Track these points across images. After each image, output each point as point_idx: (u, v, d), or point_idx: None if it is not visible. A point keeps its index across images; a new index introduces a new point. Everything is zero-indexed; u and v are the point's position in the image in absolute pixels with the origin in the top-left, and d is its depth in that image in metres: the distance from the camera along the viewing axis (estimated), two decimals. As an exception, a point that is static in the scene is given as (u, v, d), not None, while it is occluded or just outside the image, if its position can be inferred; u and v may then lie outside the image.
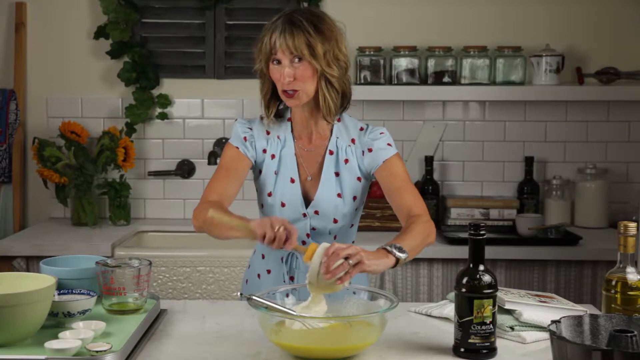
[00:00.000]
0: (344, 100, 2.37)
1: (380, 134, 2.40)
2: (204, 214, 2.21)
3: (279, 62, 2.28)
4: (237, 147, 2.40)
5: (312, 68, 2.27)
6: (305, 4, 3.80)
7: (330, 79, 2.30)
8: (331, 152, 2.40)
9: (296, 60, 2.26)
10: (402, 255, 2.08)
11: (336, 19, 2.35)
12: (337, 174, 2.39)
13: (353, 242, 2.47)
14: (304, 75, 2.27)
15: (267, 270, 2.44)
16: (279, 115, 2.42)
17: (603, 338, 1.72)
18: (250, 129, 2.42)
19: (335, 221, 2.38)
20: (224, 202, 2.32)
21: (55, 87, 3.92)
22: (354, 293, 2.09)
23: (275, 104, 2.39)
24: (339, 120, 2.41)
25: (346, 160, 2.39)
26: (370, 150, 2.38)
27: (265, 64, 2.31)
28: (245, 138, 2.40)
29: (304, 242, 2.39)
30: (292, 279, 2.41)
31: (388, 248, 2.08)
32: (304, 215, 2.38)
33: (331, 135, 2.41)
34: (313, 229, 2.38)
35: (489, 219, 3.73)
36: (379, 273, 2.08)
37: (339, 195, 2.37)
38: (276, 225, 2.02)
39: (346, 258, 1.97)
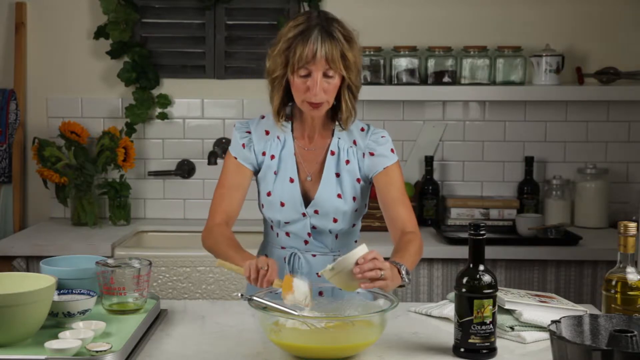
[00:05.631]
0: (356, 109, 2.38)
1: (382, 137, 2.40)
2: (212, 241, 2.33)
3: (307, 75, 2.25)
4: (236, 158, 2.41)
5: (339, 79, 2.27)
6: (306, 4, 3.80)
7: (353, 89, 2.31)
8: (332, 153, 2.39)
9: (330, 73, 2.24)
10: (407, 282, 2.14)
11: (350, 26, 2.33)
12: (337, 175, 2.39)
13: (356, 241, 2.48)
14: (332, 88, 2.27)
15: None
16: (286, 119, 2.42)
17: (603, 338, 1.72)
18: (249, 132, 2.42)
19: (335, 221, 2.38)
20: (230, 220, 2.39)
21: (55, 87, 3.92)
22: (357, 292, 2.10)
23: (284, 109, 2.38)
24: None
25: (347, 162, 2.39)
26: (372, 154, 2.38)
27: (291, 72, 2.27)
28: (243, 145, 2.41)
29: (306, 242, 2.40)
30: None
31: (400, 269, 2.12)
32: (304, 215, 2.38)
33: (332, 135, 2.41)
34: (313, 227, 2.39)
35: (489, 219, 3.73)
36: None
37: (339, 195, 2.38)
38: (260, 265, 2.07)
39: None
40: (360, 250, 2.02)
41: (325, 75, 2.25)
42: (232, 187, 2.40)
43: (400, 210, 2.35)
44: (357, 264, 1.99)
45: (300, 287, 2.03)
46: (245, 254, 2.21)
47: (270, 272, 2.06)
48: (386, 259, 2.07)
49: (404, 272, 2.12)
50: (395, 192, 2.36)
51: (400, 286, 2.14)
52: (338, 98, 2.32)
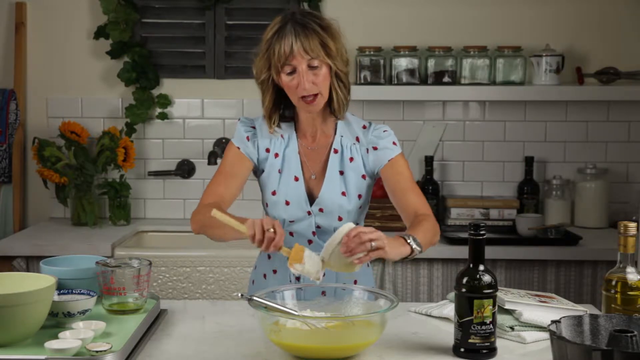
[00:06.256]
0: (349, 94, 2.38)
1: (384, 132, 2.41)
2: (201, 216, 2.24)
3: (293, 71, 2.26)
4: (239, 148, 2.40)
5: (327, 69, 2.28)
6: (306, 4, 3.80)
7: (341, 76, 2.32)
8: (335, 151, 2.40)
9: (314, 63, 2.25)
10: (417, 248, 2.13)
11: (328, 16, 2.36)
12: (341, 173, 2.39)
13: None
14: (321, 79, 2.27)
15: (273, 271, 2.44)
16: (283, 117, 2.42)
17: (603, 338, 1.72)
18: (254, 127, 2.43)
19: (339, 219, 2.38)
20: (222, 205, 2.32)
21: (55, 87, 3.92)
22: (361, 293, 2.11)
23: (277, 112, 2.39)
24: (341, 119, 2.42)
25: (351, 159, 2.39)
26: (375, 148, 2.39)
27: (276, 73, 2.29)
28: (247, 137, 2.41)
29: (310, 242, 2.39)
30: (298, 279, 2.40)
31: (406, 237, 2.12)
32: (309, 213, 2.38)
33: (335, 133, 2.41)
34: (318, 226, 2.38)
35: (489, 219, 3.73)
36: (393, 260, 2.11)
37: (343, 193, 2.38)
38: (266, 226, 2.03)
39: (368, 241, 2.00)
40: (343, 229, 2.01)
41: (310, 67, 2.26)
42: (230, 174, 2.38)
43: (411, 197, 2.34)
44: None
45: (312, 259, 2.02)
46: (242, 218, 2.12)
47: (278, 237, 2.03)
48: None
49: (411, 240, 2.11)
50: (404, 182, 2.36)
51: (411, 256, 2.13)
52: (330, 93, 2.32)
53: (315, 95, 2.28)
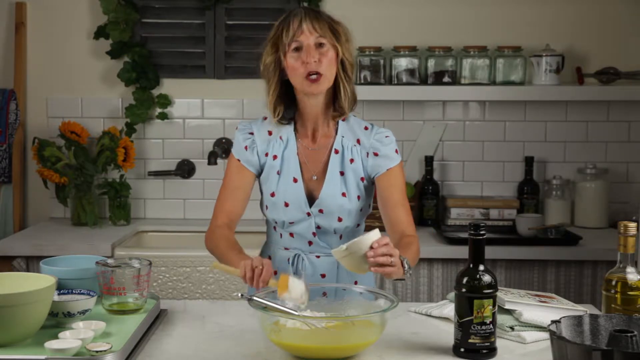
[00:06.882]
0: (355, 93, 2.39)
1: (386, 137, 2.41)
2: (212, 244, 2.36)
3: (298, 49, 2.27)
4: (239, 160, 2.41)
5: (333, 54, 2.29)
6: (305, 4, 3.80)
7: (347, 67, 2.32)
8: (337, 151, 2.39)
9: (321, 41, 2.27)
10: (407, 277, 2.14)
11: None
12: (342, 173, 2.38)
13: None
14: (327, 58, 2.28)
15: (274, 272, 2.44)
16: (283, 118, 2.41)
17: (603, 338, 1.72)
18: (252, 133, 2.42)
19: (339, 220, 2.38)
20: (233, 221, 2.40)
21: (55, 87, 3.92)
22: (361, 293, 2.12)
23: (281, 104, 2.38)
24: (344, 119, 2.41)
25: (351, 160, 2.39)
26: (376, 154, 2.38)
27: (283, 54, 2.30)
28: (246, 147, 2.41)
29: (310, 243, 2.39)
30: None
31: (404, 262, 2.12)
32: (308, 214, 2.37)
33: (336, 134, 2.40)
34: (318, 227, 2.38)
35: (489, 219, 3.73)
36: (389, 279, 2.15)
37: (343, 194, 2.37)
38: (255, 264, 2.09)
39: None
40: (374, 234, 2.04)
41: (317, 45, 2.27)
42: (235, 188, 2.41)
43: (401, 213, 2.36)
44: (371, 247, 2.01)
45: (296, 286, 2.04)
46: (244, 256, 2.21)
47: (265, 271, 2.07)
48: None
49: (406, 266, 2.12)
50: (397, 195, 2.37)
51: (400, 279, 2.15)
52: (336, 86, 2.33)
53: (320, 75, 2.28)
